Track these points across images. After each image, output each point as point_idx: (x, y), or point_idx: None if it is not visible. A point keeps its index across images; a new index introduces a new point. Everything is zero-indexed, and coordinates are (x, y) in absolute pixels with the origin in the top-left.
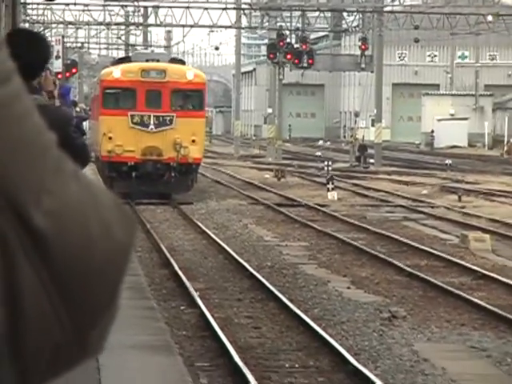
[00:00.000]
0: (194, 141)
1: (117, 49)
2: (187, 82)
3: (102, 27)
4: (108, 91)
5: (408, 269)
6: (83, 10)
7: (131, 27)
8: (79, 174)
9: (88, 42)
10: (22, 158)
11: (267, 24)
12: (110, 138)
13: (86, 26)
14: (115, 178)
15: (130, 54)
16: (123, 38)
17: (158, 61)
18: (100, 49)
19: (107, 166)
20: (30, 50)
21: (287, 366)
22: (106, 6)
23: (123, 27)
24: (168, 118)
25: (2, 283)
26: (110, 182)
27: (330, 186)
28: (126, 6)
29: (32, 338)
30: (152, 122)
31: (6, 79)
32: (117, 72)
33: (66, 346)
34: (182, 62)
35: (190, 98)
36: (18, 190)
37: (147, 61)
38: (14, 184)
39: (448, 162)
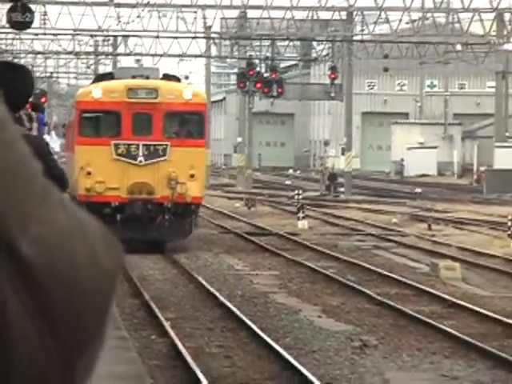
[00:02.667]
0: (192, 175)
1: (86, 78)
2: (184, 102)
3: (72, 56)
4: (86, 115)
5: (378, 297)
6: (52, 40)
7: (101, 56)
8: (66, 202)
9: (57, 72)
10: (9, 185)
11: (237, 53)
12: (89, 173)
13: (56, 56)
14: None
15: (113, 70)
16: (93, 67)
17: (147, 77)
18: (69, 78)
19: (85, 207)
20: (15, 82)
21: None
22: (76, 35)
23: (93, 56)
24: (161, 148)
25: None
26: None
27: (301, 214)
28: (95, 35)
29: (18, 367)
30: (141, 153)
31: None
32: (97, 91)
33: (53, 375)
34: (177, 79)
35: (188, 123)
36: (4, 217)
37: (134, 77)
38: (1, 211)
39: (418, 190)
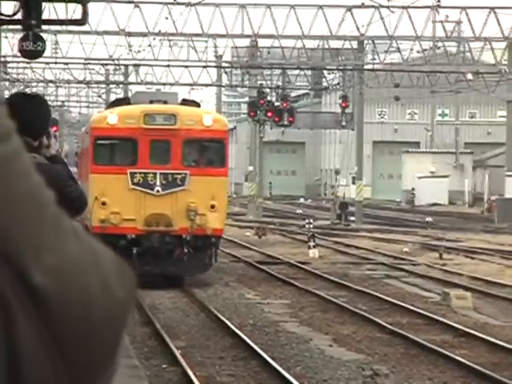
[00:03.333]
0: (213, 206)
1: (97, 107)
2: (204, 129)
3: (83, 85)
4: (101, 142)
5: (390, 326)
6: (64, 69)
7: (112, 85)
8: (78, 231)
9: (68, 101)
10: (21, 215)
11: (248, 82)
12: (104, 204)
13: (67, 85)
14: None
15: (129, 95)
16: (104, 96)
17: (165, 102)
18: (81, 107)
19: (100, 239)
20: (32, 112)
21: None
22: (87, 64)
23: (104, 85)
24: (179, 177)
25: (2, 342)
26: None
27: (312, 243)
28: (106, 64)
29: None
30: (158, 183)
31: (5, 137)
32: (112, 117)
33: None
34: (197, 104)
35: (209, 151)
36: (16, 247)
37: (151, 102)
38: (13, 241)
39: (429, 219)
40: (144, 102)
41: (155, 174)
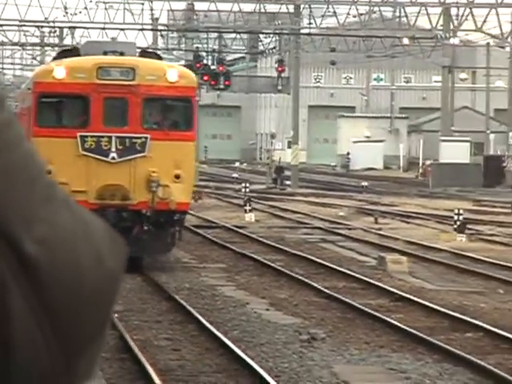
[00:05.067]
0: (178, 176)
1: (31, 70)
2: (168, 85)
3: (17, 47)
4: (45, 100)
5: (326, 290)
6: None
7: (47, 48)
8: (70, 202)
9: (2, 63)
10: (12, 185)
11: (184, 45)
12: (49, 173)
13: (1, 46)
14: None
15: (78, 45)
16: (38, 58)
17: (121, 54)
18: (15, 69)
19: None
20: None
21: None
22: (22, 26)
23: (38, 48)
24: (139, 142)
25: None
26: None
27: (248, 207)
28: (41, 26)
29: (20, 365)
30: (114, 148)
31: None
32: (60, 71)
33: (54, 375)
34: (158, 57)
35: (173, 111)
36: (8, 217)
37: (105, 54)
38: (4, 211)
39: (364, 184)
40: (97, 54)
41: (110, 137)
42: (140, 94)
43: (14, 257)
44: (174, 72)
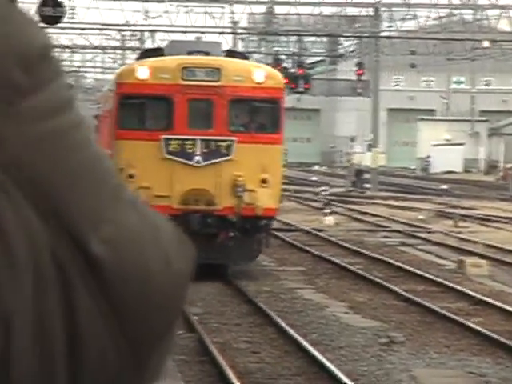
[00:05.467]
0: (264, 181)
1: (112, 73)
2: (255, 86)
3: (98, 51)
4: (128, 101)
5: (405, 294)
6: (80, 34)
7: (127, 51)
8: (138, 203)
9: (84, 66)
10: (81, 186)
11: (264, 49)
12: (131, 177)
13: (82, 50)
14: None
15: (162, 46)
16: (119, 62)
17: (207, 54)
18: (96, 73)
19: None
20: None
21: None
22: (103, 29)
23: (119, 51)
24: (224, 145)
25: (62, 310)
26: None
27: (327, 210)
28: (122, 30)
29: (90, 367)
30: (199, 151)
31: (61, 109)
32: (143, 71)
33: (123, 375)
34: (244, 57)
35: (260, 113)
36: (76, 218)
37: (190, 53)
38: (73, 212)
39: (444, 187)
40: (181, 53)
41: (195, 140)
42: (226, 95)
43: (80, 256)
44: (261, 72)
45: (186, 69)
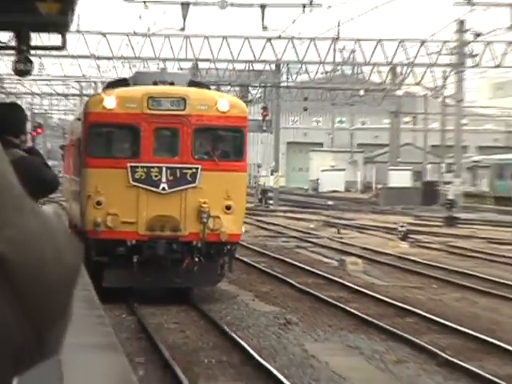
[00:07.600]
0: (228, 207)
1: (73, 114)
2: (219, 115)
3: (62, 97)
4: (96, 130)
5: (299, 285)
6: (47, 84)
7: (85, 97)
8: (37, 210)
9: (51, 109)
10: None
11: None
12: (99, 204)
13: (49, 96)
14: (107, 264)
15: (127, 76)
16: (78, 105)
17: (172, 83)
18: (60, 114)
19: (94, 245)
20: (11, 116)
21: (206, 361)
22: (65, 80)
23: (78, 97)
24: (189, 172)
25: None
26: (97, 270)
27: None
28: (80, 81)
29: None
30: (164, 179)
31: None
32: (110, 100)
33: (27, 349)
34: (207, 88)
35: (224, 141)
36: None
37: (156, 83)
38: None
39: (330, 202)
40: (147, 83)
41: (160, 168)
42: (191, 124)
43: None
44: (225, 102)
45: (152, 98)
